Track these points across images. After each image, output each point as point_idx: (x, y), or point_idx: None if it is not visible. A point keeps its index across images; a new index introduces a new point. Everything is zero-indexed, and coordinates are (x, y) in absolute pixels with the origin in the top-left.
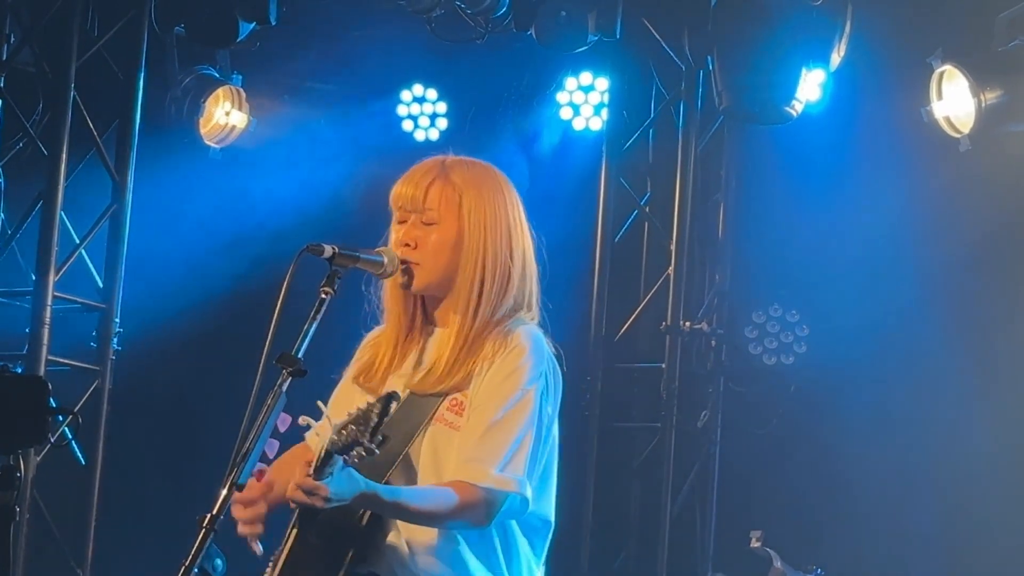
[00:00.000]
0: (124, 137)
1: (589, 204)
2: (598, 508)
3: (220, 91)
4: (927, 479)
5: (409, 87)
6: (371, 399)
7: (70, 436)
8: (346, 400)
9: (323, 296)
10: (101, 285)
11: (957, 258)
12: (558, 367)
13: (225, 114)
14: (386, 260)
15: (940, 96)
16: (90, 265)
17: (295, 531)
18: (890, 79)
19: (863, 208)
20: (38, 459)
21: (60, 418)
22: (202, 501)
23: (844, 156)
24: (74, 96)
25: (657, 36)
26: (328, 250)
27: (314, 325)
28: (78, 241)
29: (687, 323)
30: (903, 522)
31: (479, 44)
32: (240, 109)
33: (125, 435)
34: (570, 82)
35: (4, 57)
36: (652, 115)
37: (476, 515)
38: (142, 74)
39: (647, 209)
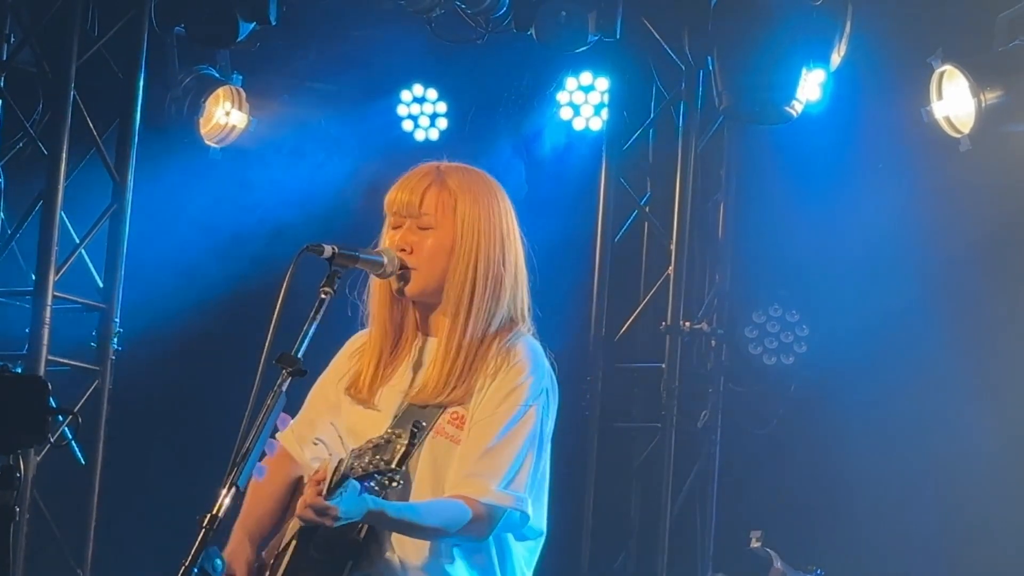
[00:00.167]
0: (124, 137)
1: (589, 204)
2: (598, 508)
3: (220, 91)
4: (927, 479)
5: (409, 87)
6: (394, 430)
7: (70, 436)
8: (327, 404)
9: (323, 296)
10: (101, 285)
11: (957, 258)
12: (555, 381)
13: (225, 114)
14: (386, 260)
15: (940, 96)
16: (90, 265)
17: (294, 543)
18: (890, 79)
19: (863, 208)
20: (38, 459)
21: (60, 418)
22: (202, 501)
23: (844, 156)
24: (74, 96)
25: (657, 36)
26: (328, 250)
27: (314, 325)
28: (78, 241)
29: (687, 323)
30: (903, 522)
31: (479, 44)
32: (240, 109)
33: (125, 435)
34: (570, 82)
35: (4, 57)
36: (652, 115)
37: (478, 530)
38: (142, 74)
39: (647, 209)
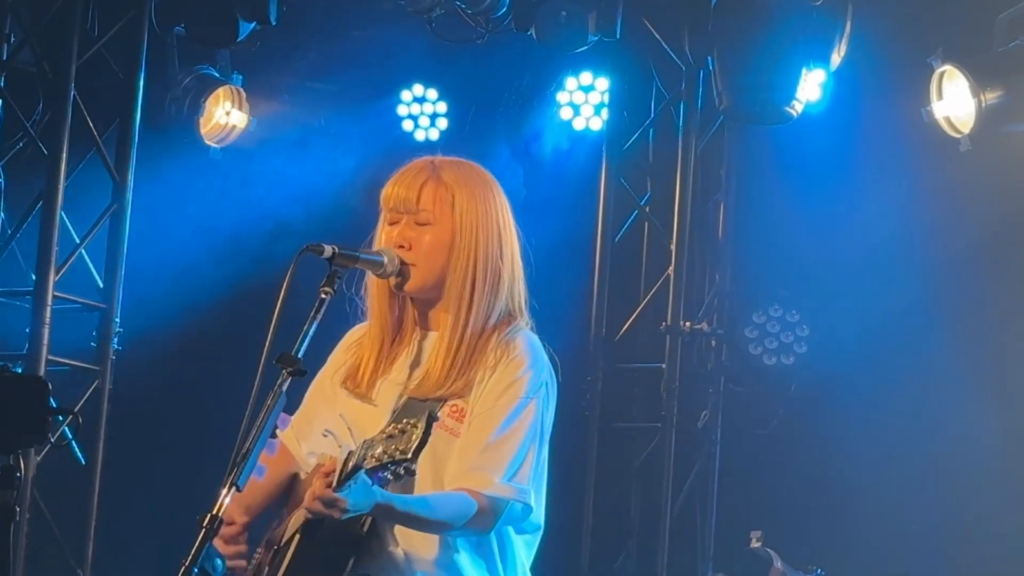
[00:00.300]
0: (124, 137)
1: (589, 204)
2: (598, 508)
3: (220, 91)
4: (927, 479)
5: (409, 87)
6: (408, 420)
7: (70, 436)
8: (324, 399)
9: (323, 296)
10: (101, 285)
11: (957, 258)
12: (555, 375)
13: (225, 114)
14: (386, 260)
15: (940, 96)
16: (90, 265)
17: (298, 537)
18: (890, 79)
19: (863, 208)
20: (38, 459)
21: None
22: (202, 501)
23: (844, 156)
24: (74, 96)
25: (657, 36)
26: (328, 250)
27: (314, 325)
28: (78, 241)
29: (687, 323)
30: (903, 522)
31: (479, 44)
32: (240, 109)
33: (125, 435)
34: (570, 82)
35: (4, 57)
36: (652, 115)
37: (482, 523)
38: (142, 74)
39: (647, 209)
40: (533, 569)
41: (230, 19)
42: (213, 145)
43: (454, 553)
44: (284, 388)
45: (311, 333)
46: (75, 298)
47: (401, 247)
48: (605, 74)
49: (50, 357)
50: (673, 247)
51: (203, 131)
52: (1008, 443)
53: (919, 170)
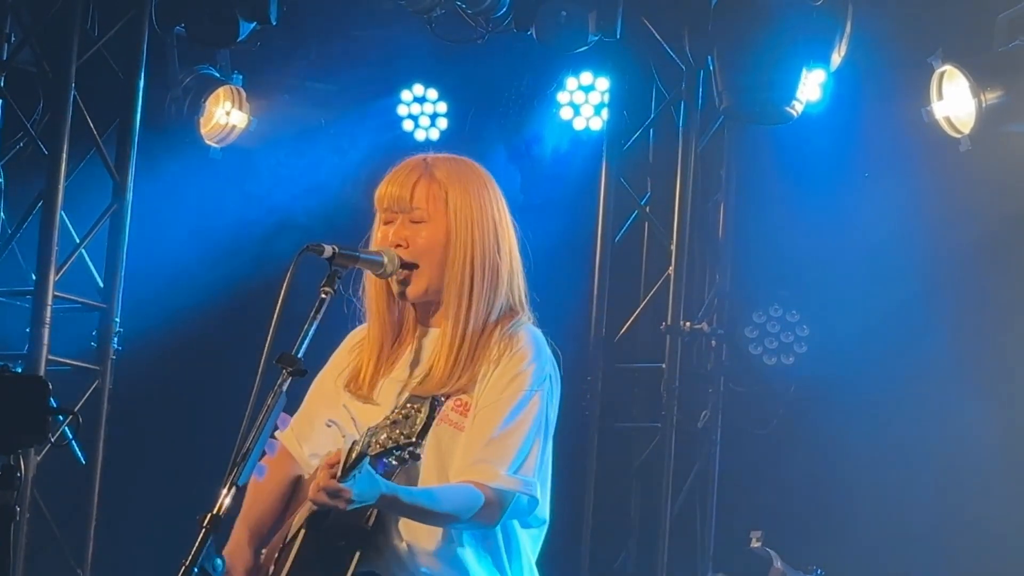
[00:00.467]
0: (124, 137)
1: (589, 204)
2: (598, 508)
3: (220, 91)
4: (928, 479)
5: (409, 87)
6: (413, 404)
7: (70, 436)
8: (325, 400)
9: (323, 296)
10: (101, 285)
11: (957, 258)
12: (558, 369)
13: (225, 114)
14: (386, 260)
15: (940, 96)
16: (90, 265)
17: (304, 532)
18: (890, 79)
19: (863, 208)
20: (38, 459)
21: (60, 418)
22: (202, 501)
23: (844, 156)
24: (74, 96)
25: (657, 36)
26: (328, 250)
27: (314, 325)
28: (78, 241)
29: (687, 323)
30: (903, 522)
31: (479, 44)
32: (240, 109)
33: (125, 435)
34: (570, 82)
35: (5, 57)
36: (652, 115)
37: (488, 516)
38: (142, 74)
39: (647, 209)
40: (537, 565)
41: (230, 19)
42: (213, 145)
43: (459, 547)
44: (284, 388)
45: (311, 333)
46: (75, 298)
47: (398, 246)
48: (605, 74)
49: (50, 357)
50: (673, 247)
51: (203, 131)
52: (1008, 443)
53: (919, 170)
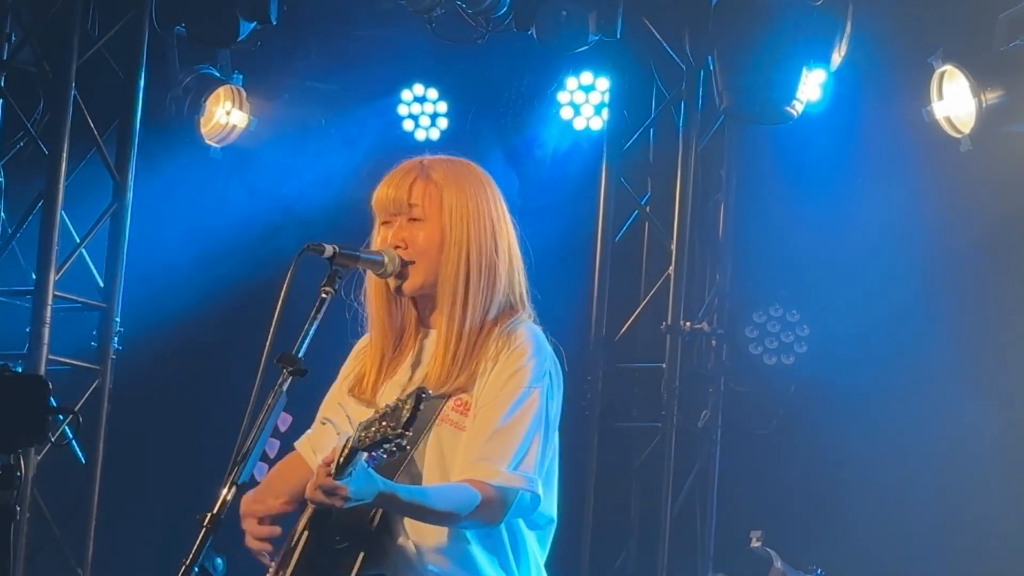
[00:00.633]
0: (125, 136)
1: (589, 204)
2: (598, 508)
3: (221, 90)
4: (927, 479)
5: (410, 87)
6: (400, 396)
7: (70, 435)
8: (338, 408)
9: (323, 296)
10: (101, 284)
11: (957, 258)
12: (559, 366)
13: (226, 113)
14: (386, 259)
15: (941, 96)
16: (90, 264)
17: (307, 533)
18: (891, 79)
19: (863, 208)
20: (38, 458)
21: (60, 417)
22: (202, 500)
23: (845, 156)
24: (75, 95)
25: (658, 36)
26: (329, 250)
27: (315, 325)
28: (79, 240)
29: (687, 323)
30: (902, 522)
31: (480, 44)
32: (241, 108)
33: (125, 434)
34: (571, 82)
35: (5, 56)
36: (653, 115)
37: (490, 513)
38: (143, 73)
39: (647, 209)
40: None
41: (230, 19)
42: (213, 145)
43: (466, 545)
44: (285, 388)
45: (312, 333)
46: (75, 297)
47: (398, 247)
48: (605, 74)
49: (50, 356)
50: (673, 247)
51: (203, 131)
52: (1008, 443)
53: (919, 170)
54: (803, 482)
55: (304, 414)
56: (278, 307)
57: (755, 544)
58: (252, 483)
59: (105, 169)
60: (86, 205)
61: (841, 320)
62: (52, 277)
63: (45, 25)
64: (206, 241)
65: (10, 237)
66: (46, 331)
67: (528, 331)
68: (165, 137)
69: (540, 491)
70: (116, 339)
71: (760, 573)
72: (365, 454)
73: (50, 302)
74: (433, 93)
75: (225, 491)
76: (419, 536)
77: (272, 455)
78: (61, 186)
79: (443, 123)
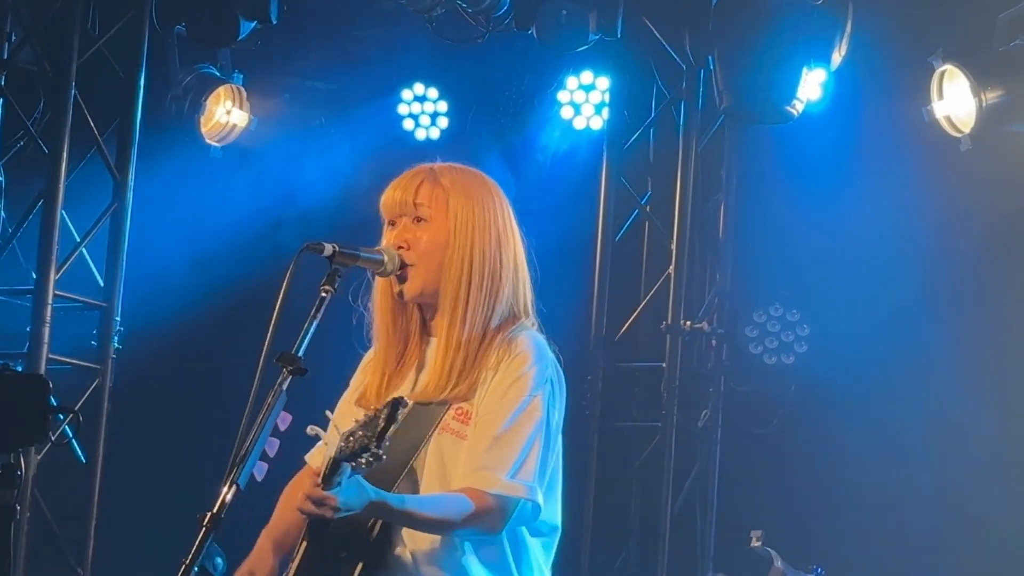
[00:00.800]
0: (125, 136)
1: (589, 203)
2: (598, 508)
3: (221, 90)
4: (928, 479)
5: (410, 86)
6: (381, 407)
7: (71, 434)
8: (346, 417)
9: (323, 295)
10: (102, 284)
11: (957, 258)
12: (562, 373)
13: (226, 113)
14: (386, 259)
15: (941, 96)
16: (91, 264)
17: (304, 544)
18: (891, 79)
19: (864, 208)
20: (39, 457)
21: (61, 416)
22: (202, 500)
23: (845, 156)
24: (75, 95)
25: (658, 35)
26: (328, 249)
27: (314, 324)
28: (79, 240)
29: (687, 323)
30: (903, 522)
31: (480, 43)
32: (241, 108)
33: (125, 434)
34: (571, 81)
35: (5, 56)
36: (653, 114)
37: (489, 522)
38: (143, 73)
39: (647, 209)
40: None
41: (231, 18)
42: (214, 144)
43: (462, 555)
44: (284, 387)
45: (311, 332)
46: (76, 297)
47: (401, 247)
48: (606, 73)
49: (51, 356)
50: (673, 247)
51: (204, 130)
52: (1008, 442)
53: (919, 170)
54: (803, 482)
55: (304, 413)
56: (277, 306)
57: (755, 544)
58: (251, 482)
59: (105, 168)
60: (86, 204)
61: (841, 320)
62: (52, 276)
63: (45, 24)
64: (206, 240)
65: (10, 236)
66: (46, 330)
67: (529, 338)
68: (165, 137)
69: (540, 500)
70: (116, 338)
71: (760, 573)
72: (348, 464)
73: (50, 301)
74: (433, 92)
75: (225, 490)
76: (416, 546)
77: (272, 454)
78: (61, 185)
79: (443, 122)
